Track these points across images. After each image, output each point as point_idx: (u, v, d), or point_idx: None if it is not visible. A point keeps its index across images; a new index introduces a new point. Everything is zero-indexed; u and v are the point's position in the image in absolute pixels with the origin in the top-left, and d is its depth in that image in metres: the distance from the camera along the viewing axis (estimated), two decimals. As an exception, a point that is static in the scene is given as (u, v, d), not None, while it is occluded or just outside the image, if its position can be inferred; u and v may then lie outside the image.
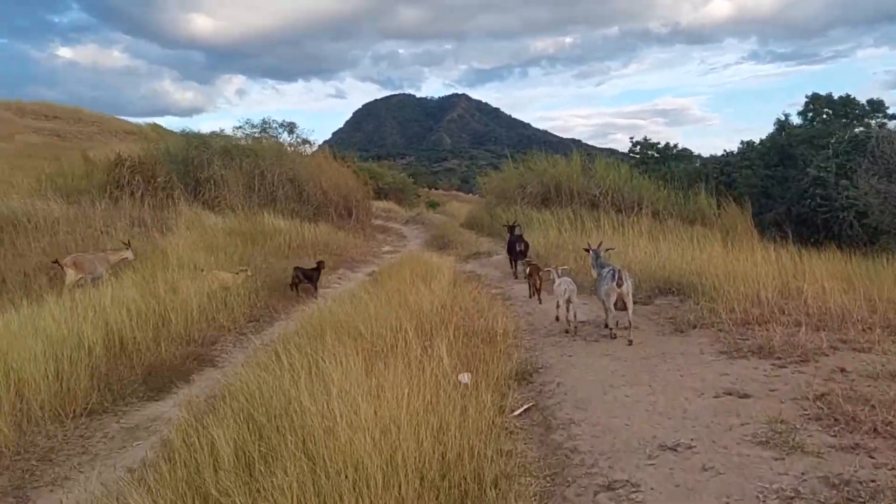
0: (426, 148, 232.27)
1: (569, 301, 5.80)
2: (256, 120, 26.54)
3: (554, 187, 14.30)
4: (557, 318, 6.25)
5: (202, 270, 8.06)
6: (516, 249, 8.95)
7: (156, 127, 32.63)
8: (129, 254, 8.48)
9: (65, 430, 4.39)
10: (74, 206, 11.10)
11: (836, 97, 28.52)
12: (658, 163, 37.50)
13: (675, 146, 39.67)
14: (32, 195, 11.20)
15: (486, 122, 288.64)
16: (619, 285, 5.19)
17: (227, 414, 3.58)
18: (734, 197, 20.63)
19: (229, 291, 7.73)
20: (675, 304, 6.44)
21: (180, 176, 14.17)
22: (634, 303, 5.42)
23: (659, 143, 39.32)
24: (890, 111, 28.73)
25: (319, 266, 9.22)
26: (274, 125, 27.83)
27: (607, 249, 6.58)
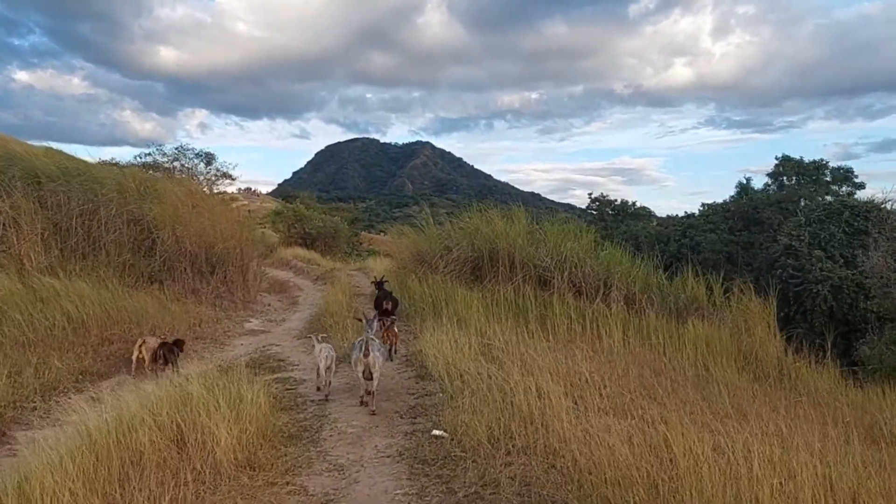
0: (388, 192, 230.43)
1: (328, 368, 5.99)
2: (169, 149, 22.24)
3: (489, 253, 10.50)
4: (319, 388, 6.12)
5: None
6: (382, 307, 8.10)
7: (50, 151, 27.14)
8: None
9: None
10: None
11: (806, 161, 26.90)
12: (616, 220, 35.41)
13: (633, 204, 37.73)
14: None
15: (448, 171, 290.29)
16: (366, 356, 5.40)
17: None
18: (699, 262, 17.53)
19: None
20: None
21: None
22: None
23: (616, 201, 37.47)
24: (857, 180, 27.44)
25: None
26: (189, 155, 23.50)
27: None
